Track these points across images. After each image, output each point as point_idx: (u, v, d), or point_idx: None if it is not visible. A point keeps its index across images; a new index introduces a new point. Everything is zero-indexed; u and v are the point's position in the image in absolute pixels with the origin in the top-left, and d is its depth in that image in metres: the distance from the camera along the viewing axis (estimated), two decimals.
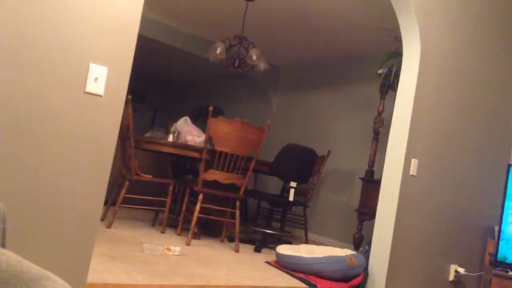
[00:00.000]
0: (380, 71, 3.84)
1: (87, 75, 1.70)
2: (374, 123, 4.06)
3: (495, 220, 3.26)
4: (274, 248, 3.43)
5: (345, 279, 2.78)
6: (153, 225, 3.73)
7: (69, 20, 1.65)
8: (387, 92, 3.94)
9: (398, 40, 3.36)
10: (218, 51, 4.07)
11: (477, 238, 3.23)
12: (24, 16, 1.56)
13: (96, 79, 1.72)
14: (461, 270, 3.06)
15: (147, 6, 5.02)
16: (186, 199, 3.57)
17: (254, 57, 4.12)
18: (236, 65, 4.26)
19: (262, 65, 4.24)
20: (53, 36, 1.63)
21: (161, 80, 9.30)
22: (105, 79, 1.74)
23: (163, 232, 3.45)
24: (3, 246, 1.00)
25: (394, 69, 3.66)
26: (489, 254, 3.14)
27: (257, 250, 3.45)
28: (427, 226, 2.91)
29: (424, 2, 2.79)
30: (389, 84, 3.78)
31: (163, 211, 3.55)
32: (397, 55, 3.62)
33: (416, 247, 2.86)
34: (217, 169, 3.37)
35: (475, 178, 3.20)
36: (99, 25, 1.71)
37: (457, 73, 3.04)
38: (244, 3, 4.34)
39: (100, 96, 1.73)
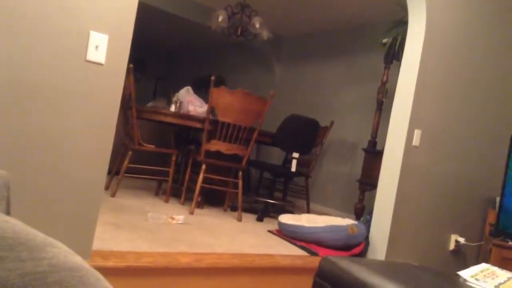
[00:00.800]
0: (384, 41, 3.78)
1: (87, 43, 1.68)
2: (378, 93, 4.02)
3: (496, 191, 3.27)
4: (276, 218, 3.47)
5: (346, 248, 2.82)
6: (156, 194, 3.76)
7: None
8: (391, 62, 3.89)
9: (403, 8, 3.28)
10: (220, 19, 3.99)
11: (478, 209, 3.25)
12: None
13: (96, 47, 1.69)
14: (461, 240, 3.10)
15: None
16: (189, 169, 3.59)
17: (257, 26, 4.05)
18: (239, 33, 4.20)
19: (265, 34, 4.17)
20: (53, 3, 1.59)
21: (162, 49, 9.18)
22: (106, 47, 1.71)
23: (166, 202, 3.49)
24: (8, 213, 1.01)
25: (399, 39, 3.60)
26: (490, 224, 3.17)
27: (259, 219, 3.48)
28: (428, 197, 2.92)
29: None
30: (394, 54, 3.72)
31: (167, 181, 3.57)
32: (402, 24, 3.55)
33: (417, 217, 2.88)
34: (219, 140, 3.36)
35: (478, 149, 3.19)
36: None
37: (464, 42, 2.98)
38: None
39: (101, 64, 1.71)
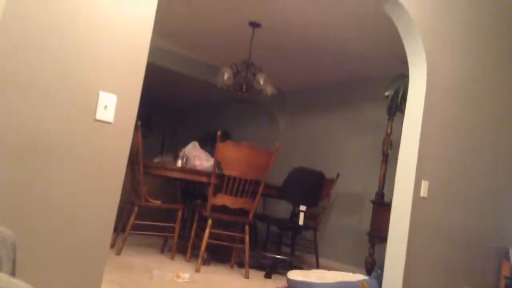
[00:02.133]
0: (387, 93, 3.85)
1: (97, 103, 1.73)
2: (383, 145, 4.04)
3: (510, 240, 3.20)
4: (284, 274, 3.38)
5: None
6: (162, 251, 3.70)
7: (79, 48, 1.69)
8: (394, 114, 3.94)
9: (404, 63, 3.38)
10: (226, 76, 4.12)
11: (491, 260, 3.16)
12: (35, 44, 1.60)
13: (105, 106, 1.74)
14: None
15: (153, 32, 5.13)
16: (195, 224, 3.55)
17: (261, 82, 4.16)
18: (244, 89, 4.31)
19: (269, 90, 4.28)
20: (64, 64, 1.66)
21: (169, 105, 9.40)
22: (114, 107, 1.76)
23: (172, 259, 3.42)
24: (13, 275, 1.00)
25: (401, 91, 3.67)
26: (504, 276, 3.06)
27: (268, 276, 3.40)
28: (440, 249, 2.85)
29: (430, 25, 2.81)
30: (397, 106, 3.78)
31: (172, 237, 3.53)
32: (404, 77, 3.64)
33: (429, 271, 2.80)
34: (225, 194, 3.36)
35: (488, 198, 3.15)
36: (109, 54, 1.75)
37: (465, 92, 3.03)
38: (251, 29, 4.41)
39: (110, 123, 1.75)
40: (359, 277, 2.91)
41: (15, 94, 1.58)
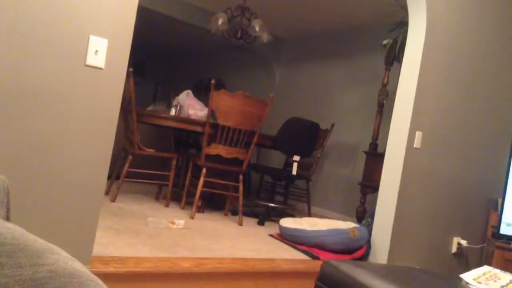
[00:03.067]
0: (385, 42, 3.78)
1: (87, 47, 1.67)
2: (379, 95, 4.02)
3: (498, 192, 3.26)
4: (277, 221, 3.46)
5: (348, 251, 2.80)
6: (157, 199, 3.75)
7: None
8: (392, 63, 3.89)
9: (404, 9, 3.28)
10: (220, 22, 4.00)
11: (480, 211, 3.24)
12: None
13: (96, 51, 1.69)
14: (464, 242, 3.08)
15: None
16: (189, 173, 3.58)
17: (257, 28, 4.05)
18: (239, 36, 4.20)
19: (264, 36, 4.17)
20: (53, 7, 1.59)
21: (162, 52, 9.20)
22: (105, 52, 1.71)
23: (167, 206, 3.48)
24: (7, 219, 1.00)
25: (399, 40, 3.60)
26: (492, 226, 3.16)
27: (260, 223, 3.47)
28: (430, 199, 2.91)
29: None
30: (395, 56, 3.72)
31: (167, 185, 3.56)
32: (403, 25, 3.55)
33: (419, 220, 2.87)
34: (220, 143, 3.36)
35: (479, 150, 3.18)
36: None
37: (465, 44, 2.98)
38: None
39: (101, 69, 1.71)
40: (350, 224, 2.98)
41: (1, 37, 1.51)
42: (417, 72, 2.74)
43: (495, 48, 3.18)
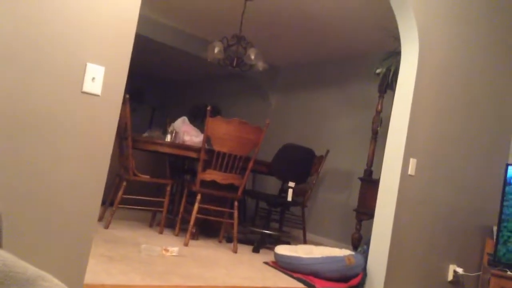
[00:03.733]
0: (378, 71, 3.84)
1: (84, 74, 1.69)
2: (373, 122, 4.05)
3: (493, 219, 3.26)
4: (272, 249, 3.42)
5: (344, 279, 2.77)
6: (151, 225, 3.71)
7: (66, 19, 1.64)
8: (385, 91, 3.94)
9: (396, 39, 3.36)
10: (216, 50, 4.06)
11: (475, 238, 3.23)
12: (21, 14, 1.55)
13: (93, 78, 1.71)
14: (460, 270, 3.06)
15: (144, 4, 5.01)
16: (184, 200, 3.56)
17: (252, 57, 4.11)
18: (234, 64, 4.25)
19: (260, 65, 4.23)
20: (50, 35, 1.62)
21: (159, 79, 9.28)
22: (102, 79, 1.72)
23: (161, 233, 3.44)
24: (0, 246, 0.99)
25: (392, 69, 3.66)
26: (488, 253, 3.14)
27: (256, 250, 3.44)
28: (425, 226, 2.90)
29: (423, 1, 2.78)
30: (388, 84, 3.78)
31: (161, 211, 3.53)
32: (396, 54, 3.62)
33: (415, 247, 2.85)
34: (215, 169, 3.36)
35: (474, 177, 3.20)
36: (96, 24, 1.70)
37: (456, 72, 3.03)
38: (243, 2, 4.33)
39: (98, 95, 1.72)
40: (346, 252, 2.96)
41: None
42: (410, 100, 2.78)
43: (489, 75, 3.24)
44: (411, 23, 2.77)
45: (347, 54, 5.35)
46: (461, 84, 3.08)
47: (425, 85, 2.84)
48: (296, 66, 6.26)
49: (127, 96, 3.22)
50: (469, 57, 3.11)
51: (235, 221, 3.34)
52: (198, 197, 3.28)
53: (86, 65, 1.69)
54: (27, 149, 1.59)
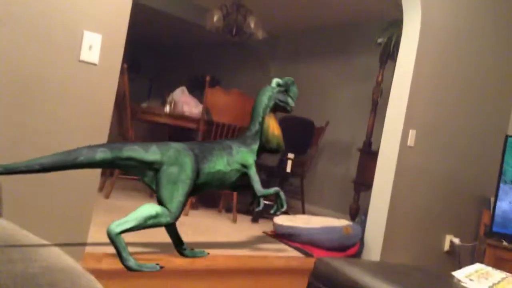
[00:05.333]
0: (380, 40, 3.79)
1: (81, 43, 1.66)
2: (373, 93, 4.03)
3: (491, 191, 3.29)
4: (271, 219, 3.46)
5: (341, 248, 2.81)
6: (151, 195, 3.74)
7: None
8: (386, 62, 3.90)
9: (398, 8, 3.29)
10: (215, 18, 3.99)
11: (472, 209, 3.26)
12: None
13: (90, 47, 1.68)
14: (456, 240, 3.11)
15: None
16: None
17: (252, 25, 4.05)
18: (234, 33, 4.19)
19: (260, 34, 4.17)
20: (47, 2, 1.58)
21: (157, 49, 9.16)
22: (99, 47, 1.70)
23: None
24: (0, 215, 1.00)
25: (394, 38, 3.61)
26: (484, 224, 3.18)
27: (254, 220, 3.48)
28: (423, 197, 2.93)
29: None
30: (389, 54, 3.73)
31: None
32: (398, 23, 3.55)
33: (412, 217, 2.88)
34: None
35: (472, 149, 3.20)
36: None
37: (458, 42, 2.99)
38: None
39: (95, 64, 1.70)
40: (344, 222, 2.99)
41: None
42: (411, 71, 2.75)
43: (490, 46, 3.20)
44: None
45: (348, 23, 5.26)
46: (463, 54, 3.04)
47: (426, 56, 2.80)
48: (296, 36, 6.16)
49: (125, 65, 3.18)
50: (472, 26, 3.06)
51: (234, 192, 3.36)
52: None
53: (83, 33, 1.66)
54: (26, 117, 1.58)
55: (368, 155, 3.93)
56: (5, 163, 1.54)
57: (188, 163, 2.00)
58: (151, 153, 1.93)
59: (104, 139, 1.76)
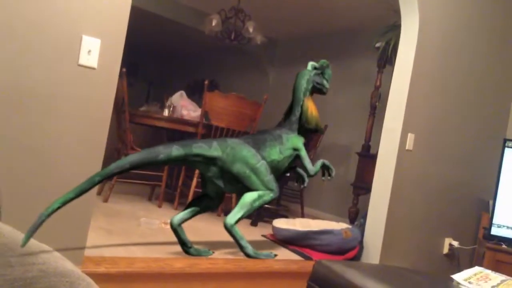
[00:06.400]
0: (378, 45, 3.80)
1: (80, 47, 1.67)
2: (371, 97, 4.04)
3: (489, 194, 3.29)
4: (270, 222, 3.46)
5: (341, 252, 2.81)
6: (149, 199, 3.74)
7: None
8: (384, 66, 3.91)
9: (396, 12, 3.31)
10: (214, 23, 4.00)
11: (471, 212, 3.26)
12: None
13: (89, 51, 1.68)
14: (455, 243, 3.11)
15: None
16: (182, 173, 3.57)
17: (251, 30, 4.06)
18: (232, 38, 4.20)
19: (258, 38, 4.18)
20: (45, 7, 1.58)
21: (156, 53, 9.17)
22: (98, 52, 1.70)
23: (160, 207, 3.46)
24: None
25: (392, 43, 3.62)
26: (483, 227, 3.18)
27: (254, 224, 3.47)
28: (422, 200, 2.93)
29: None
30: (387, 58, 3.74)
31: (160, 185, 3.55)
32: (395, 28, 3.57)
33: (411, 221, 2.88)
34: None
35: (471, 152, 3.21)
36: None
37: (456, 46, 3.00)
38: None
39: (94, 69, 1.70)
40: (343, 225, 2.99)
41: None
42: (409, 75, 2.75)
43: (488, 50, 3.21)
44: None
45: (346, 27, 5.28)
46: (461, 57, 3.05)
47: (424, 60, 2.81)
48: (294, 40, 6.18)
49: (124, 70, 3.19)
50: (470, 30, 3.07)
51: (233, 195, 3.36)
52: (197, 171, 3.28)
53: (81, 37, 1.67)
54: (24, 122, 1.58)
55: (367, 158, 3.93)
56: (100, 170, 1.68)
57: (249, 151, 2.18)
58: (214, 149, 2.07)
59: (103, 141, 1.76)
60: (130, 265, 1.88)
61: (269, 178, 2.22)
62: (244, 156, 2.16)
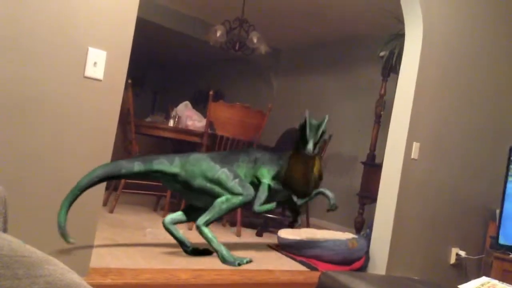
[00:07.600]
0: (382, 54, 3.81)
1: (86, 59, 1.68)
2: (376, 106, 4.03)
3: (496, 203, 3.26)
4: (275, 232, 3.45)
5: (347, 262, 2.79)
6: (155, 210, 3.74)
7: (67, 3, 1.62)
8: (389, 75, 3.91)
9: (400, 21, 3.32)
10: (218, 34, 4.03)
11: (478, 221, 3.23)
12: (22, 0, 1.54)
13: (95, 63, 1.70)
14: (462, 253, 3.08)
15: None
16: None
17: (255, 40, 4.08)
18: (237, 48, 4.23)
19: (262, 48, 4.20)
20: (51, 20, 1.61)
21: (161, 63, 9.23)
22: (104, 63, 1.72)
23: (165, 217, 3.46)
24: (5, 230, 1.00)
25: (396, 51, 3.63)
26: (490, 237, 3.15)
27: (259, 234, 3.46)
28: (428, 210, 2.91)
29: None
30: (391, 67, 3.75)
31: (165, 196, 3.55)
32: (399, 36, 3.58)
33: (417, 231, 2.86)
34: None
35: (477, 161, 3.19)
36: (97, 8, 1.69)
37: (460, 55, 3.00)
38: None
39: (100, 80, 1.72)
40: (349, 235, 2.98)
41: (0, 51, 1.52)
42: (414, 83, 2.75)
43: (492, 57, 3.21)
44: (415, 5, 2.73)
45: (350, 37, 5.29)
46: (465, 66, 3.05)
47: (429, 68, 2.81)
48: (298, 49, 6.20)
49: (129, 81, 3.21)
50: (474, 37, 3.08)
51: None
52: None
53: (87, 49, 1.68)
54: (31, 136, 1.60)
55: (372, 168, 3.92)
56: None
57: (208, 164, 2.21)
58: (174, 166, 2.12)
59: (108, 152, 1.77)
60: (136, 277, 1.88)
61: (233, 184, 2.22)
62: (202, 170, 2.19)
